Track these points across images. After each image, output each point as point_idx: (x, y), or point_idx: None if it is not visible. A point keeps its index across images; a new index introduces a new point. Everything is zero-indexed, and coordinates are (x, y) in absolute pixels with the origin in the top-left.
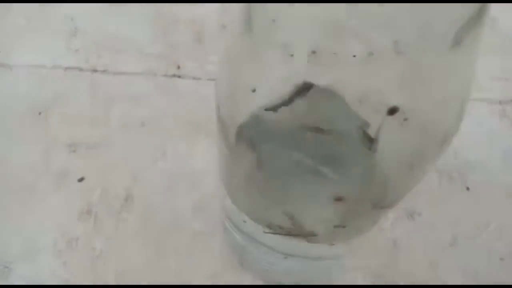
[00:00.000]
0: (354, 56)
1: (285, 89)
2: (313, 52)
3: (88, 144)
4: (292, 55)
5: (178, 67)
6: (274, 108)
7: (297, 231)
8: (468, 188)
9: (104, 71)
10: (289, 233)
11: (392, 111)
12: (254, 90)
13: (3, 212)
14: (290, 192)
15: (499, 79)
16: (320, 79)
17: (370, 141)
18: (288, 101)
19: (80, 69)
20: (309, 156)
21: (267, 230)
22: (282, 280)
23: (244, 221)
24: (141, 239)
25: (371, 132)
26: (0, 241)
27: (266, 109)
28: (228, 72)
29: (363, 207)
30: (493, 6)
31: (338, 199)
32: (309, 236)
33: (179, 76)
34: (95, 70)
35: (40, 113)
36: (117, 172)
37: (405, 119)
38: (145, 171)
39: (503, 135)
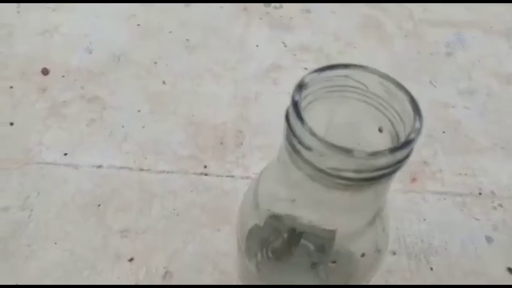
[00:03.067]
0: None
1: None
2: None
3: (136, 230)
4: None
5: (205, 167)
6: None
7: None
8: (431, 269)
9: (148, 170)
10: None
11: (333, 262)
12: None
13: (72, 284)
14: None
15: (460, 175)
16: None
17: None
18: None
19: (130, 169)
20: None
21: None
22: None
23: None
24: None
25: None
26: None
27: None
28: (242, 218)
29: None
30: (456, 110)
31: None
32: None
33: (205, 174)
34: (141, 169)
35: (99, 205)
36: (158, 253)
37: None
38: (179, 253)
39: (463, 224)
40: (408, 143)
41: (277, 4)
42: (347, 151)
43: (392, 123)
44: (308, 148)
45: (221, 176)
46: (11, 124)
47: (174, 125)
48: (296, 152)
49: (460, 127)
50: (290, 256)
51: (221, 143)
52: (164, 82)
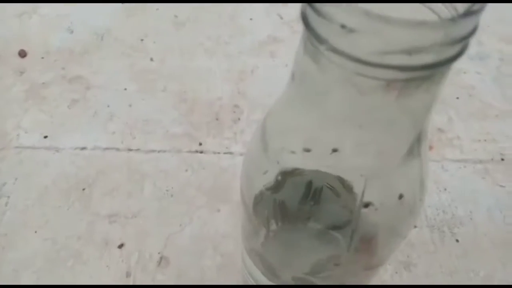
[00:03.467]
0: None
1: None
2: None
3: (126, 214)
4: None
5: (200, 144)
6: (270, 189)
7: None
8: (457, 240)
9: (137, 150)
10: None
11: (366, 205)
12: (265, 173)
13: (55, 275)
14: (296, 260)
15: (479, 141)
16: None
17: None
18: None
19: (117, 149)
20: (318, 222)
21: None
22: None
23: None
24: None
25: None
26: None
27: (266, 188)
28: (248, 164)
29: (356, 269)
30: (468, 76)
31: (336, 264)
32: None
33: (201, 152)
34: (130, 150)
35: (84, 189)
36: (151, 238)
37: (376, 209)
38: (175, 236)
39: (487, 192)
40: (474, 11)
41: None
42: (395, 21)
43: (438, 16)
44: (339, 24)
45: (218, 153)
46: None
47: (164, 102)
48: (320, 39)
49: (474, 93)
50: (307, 219)
51: (217, 119)
52: (151, 59)
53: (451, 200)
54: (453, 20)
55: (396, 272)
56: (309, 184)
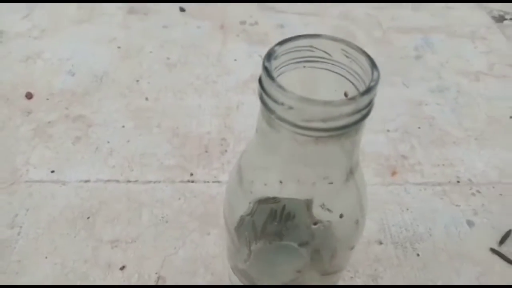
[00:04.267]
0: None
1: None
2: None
3: (126, 240)
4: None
5: (191, 174)
6: (248, 214)
7: None
8: (418, 255)
9: (135, 181)
10: None
11: (315, 223)
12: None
13: None
14: (271, 273)
15: (438, 166)
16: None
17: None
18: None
19: (117, 181)
20: (289, 240)
21: None
22: None
23: None
24: None
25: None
26: None
27: (245, 214)
28: (228, 194)
29: (314, 275)
30: (429, 107)
31: (298, 271)
32: None
33: (192, 181)
34: (128, 181)
35: (88, 218)
36: (149, 260)
37: (324, 226)
38: (170, 258)
39: (444, 211)
40: (369, 90)
41: (252, 21)
42: (315, 101)
43: (355, 86)
44: (281, 103)
45: (208, 182)
46: None
47: (159, 138)
48: (270, 111)
49: (434, 122)
50: (281, 238)
51: (206, 152)
52: (147, 99)
53: (413, 219)
54: (352, 98)
55: (365, 283)
56: (281, 209)
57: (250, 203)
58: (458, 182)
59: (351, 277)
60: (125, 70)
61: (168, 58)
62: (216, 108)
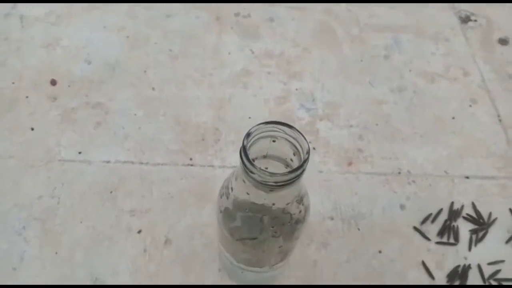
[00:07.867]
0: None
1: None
2: None
3: (141, 210)
4: None
5: (191, 159)
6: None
7: (256, 265)
8: (359, 229)
9: (147, 163)
10: (251, 265)
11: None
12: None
13: (97, 252)
14: (253, 249)
15: (385, 159)
16: None
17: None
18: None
19: (132, 163)
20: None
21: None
22: (248, 282)
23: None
24: (176, 264)
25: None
26: (94, 265)
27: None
28: (218, 203)
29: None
30: (387, 106)
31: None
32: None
33: (191, 165)
34: (141, 163)
35: (111, 192)
36: (159, 227)
37: (283, 224)
38: (175, 225)
39: (384, 196)
40: (299, 168)
41: (246, 13)
42: (270, 173)
43: (299, 151)
44: (252, 172)
45: (204, 166)
46: (32, 129)
47: (164, 125)
48: (246, 172)
49: (390, 120)
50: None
51: (203, 139)
52: (153, 89)
53: (359, 201)
54: (291, 172)
55: (317, 248)
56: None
57: (234, 202)
58: (399, 173)
59: (307, 244)
60: (134, 60)
61: (170, 50)
62: (211, 99)
